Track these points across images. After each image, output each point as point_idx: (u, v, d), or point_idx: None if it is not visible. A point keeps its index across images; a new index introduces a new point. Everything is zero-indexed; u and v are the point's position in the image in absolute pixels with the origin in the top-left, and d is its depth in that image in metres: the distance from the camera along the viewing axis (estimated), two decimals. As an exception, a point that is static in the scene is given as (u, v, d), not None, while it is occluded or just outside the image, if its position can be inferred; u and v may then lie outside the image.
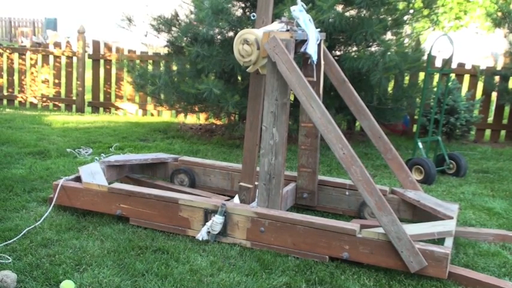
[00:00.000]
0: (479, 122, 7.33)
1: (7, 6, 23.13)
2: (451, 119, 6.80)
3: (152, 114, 8.44)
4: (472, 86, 7.53)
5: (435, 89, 6.33)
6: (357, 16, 6.10)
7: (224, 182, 4.47)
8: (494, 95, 7.61)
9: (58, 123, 7.28)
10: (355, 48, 6.34)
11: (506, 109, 7.66)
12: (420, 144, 5.45)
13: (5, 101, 9.04)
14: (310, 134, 4.09)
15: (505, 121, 7.65)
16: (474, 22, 16.07)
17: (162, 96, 6.97)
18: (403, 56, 5.97)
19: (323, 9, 5.42)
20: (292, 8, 3.66)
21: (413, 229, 3.30)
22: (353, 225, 3.31)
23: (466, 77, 7.58)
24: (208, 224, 3.48)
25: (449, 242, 3.29)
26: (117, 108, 8.64)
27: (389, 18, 6.19)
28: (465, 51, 12.97)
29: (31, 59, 8.96)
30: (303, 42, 3.64)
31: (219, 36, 6.24)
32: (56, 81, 8.90)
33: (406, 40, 6.69)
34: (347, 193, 4.15)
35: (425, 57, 6.35)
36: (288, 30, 3.53)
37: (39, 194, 4.26)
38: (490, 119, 7.74)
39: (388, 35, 6.42)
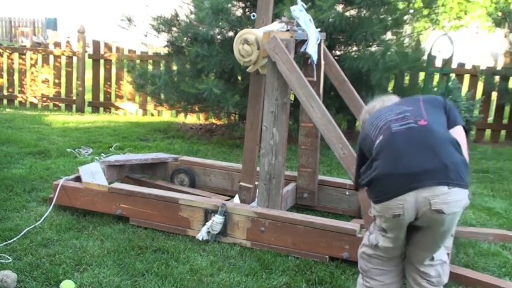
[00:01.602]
0: (480, 122, 7.32)
1: (7, 6, 23.12)
2: (451, 118, 6.78)
3: (152, 114, 8.43)
4: (472, 86, 7.52)
5: (435, 89, 6.33)
6: (357, 16, 6.10)
7: (224, 182, 4.47)
8: (494, 95, 7.61)
9: (58, 123, 7.28)
10: (355, 48, 6.34)
11: (507, 109, 7.66)
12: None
13: (5, 101, 9.03)
14: (310, 133, 4.09)
15: (505, 121, 7.64)
16: (474, 22, 16.06)
17: (162, 96, 6.97)
18: (403, 56, 5.97)
19: (323, 8, 5.42)
20: (292, 8, 3.66)
21: (413, 229, 3.29)
22: (353, 225, 3.31)
23: (466, 77, 7.57)
24: (209, 223, 3.48)
25: (449, 241, 3.28)
26: (117, 108, 8.63)
27: (390, 18, 6.19)
28: (465, 51, 12.96)
29: (31, 59, 8.95)
30: (303, 42, 3.64)
31: (219, 36, 6.24)
32: (56, 81, 8.90)
33: (406, 40, 6.69)
34: (347, 193, 4.14)
35: (425, 57, 6.35)
36: (288, 30, 3.53)
37: (39, 194, 4.26)
38: (490, 119, 7.73)
39: (388, 35, 6.42)
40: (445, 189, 2.11)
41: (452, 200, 2.12)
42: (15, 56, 9.04)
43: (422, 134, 2.20)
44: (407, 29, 6.94)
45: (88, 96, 8.93)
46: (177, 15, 6.71)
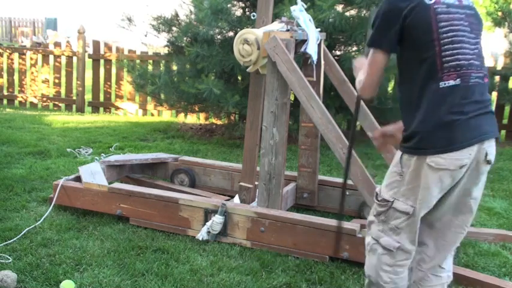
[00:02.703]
0: (479, 122, 7.31)
1: (7, 6, 23.13)
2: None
3: (152, 114, 8.44)
4: (472, 85, 7.51)
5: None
6: (356, 16, 6.10)
7: (224, 181, 4.47)
8: (494, 95, 7.61)
9: (58, 123, 7.28)
10: (355, 48, 6.34)
11: (507, 109, 7.65)
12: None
13: (5, 101, 9.04)
14: (311, 133, 4.09)
15: (505, 121, 7.64)
16: (474, 22, 16.04)
17: (162, 96, 6.97)
18: (403, 55, 5.96)
19: (323, 8, 5.42)
20: (292, 8, 3.66)
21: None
22: (353, 225, 3.31)
23: (466, 77, 7.56)
24: (209, 223, 3.48)
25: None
26: (117, 108, 8.64)
27: (390, 18, 6.18)
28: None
29: (31, 58, 8.96)
30: (303, 42, 3.64)
31: (219, 36, 6.24)
32: (56, 81, 8.91)
33: (406, 40, 6.68)
34: (347, 193, 4.14)
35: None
36: (288, 30, 3.53)
37: (39, 193, 4.26)
38: (490, 119, 7.72)
39: (388, 35, 6.40)
40: (493, 142, 2.38)
41: (494, 152, 2.42)
42: (15, 56, 9.05)
43: (484, 91, 2.37)
44: (407, 29, 6.93)
45: (88, 96, 8.93)
46: (177, 15, 6.71)
